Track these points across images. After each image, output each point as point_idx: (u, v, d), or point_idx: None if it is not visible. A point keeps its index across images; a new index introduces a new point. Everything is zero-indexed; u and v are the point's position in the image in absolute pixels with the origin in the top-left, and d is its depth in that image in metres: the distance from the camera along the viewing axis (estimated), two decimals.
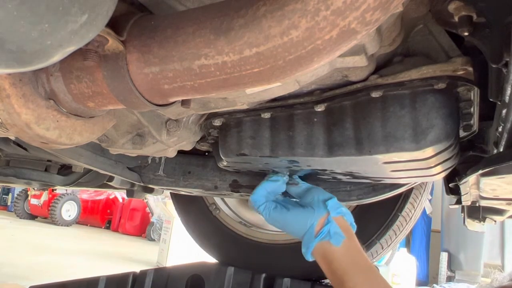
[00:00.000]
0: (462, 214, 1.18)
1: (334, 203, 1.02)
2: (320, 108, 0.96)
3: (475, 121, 0.92)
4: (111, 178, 1.83)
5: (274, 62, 0.52)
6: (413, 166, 0.95)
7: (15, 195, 11.74)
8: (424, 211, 4.86)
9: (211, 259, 1.90)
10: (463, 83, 0.85)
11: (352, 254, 0.96)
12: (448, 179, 1.12)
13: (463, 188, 0.96)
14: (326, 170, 1.09)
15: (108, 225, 11.66)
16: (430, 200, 5.97)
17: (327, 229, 0.97)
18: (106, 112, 0.74)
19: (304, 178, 1.26)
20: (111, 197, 11.74)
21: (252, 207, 1.11)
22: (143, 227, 10.68)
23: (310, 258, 1.00)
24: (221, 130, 1.10)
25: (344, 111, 0.95)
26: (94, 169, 1.35)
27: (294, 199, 1.13)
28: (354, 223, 1.04)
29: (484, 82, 0.84)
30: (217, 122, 1.08)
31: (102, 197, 11.83)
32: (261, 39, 0.50)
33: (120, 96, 0.61)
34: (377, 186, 1.23)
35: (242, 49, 0.52)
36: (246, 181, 1.35)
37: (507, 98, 0.68)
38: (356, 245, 0.98)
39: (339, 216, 1.01)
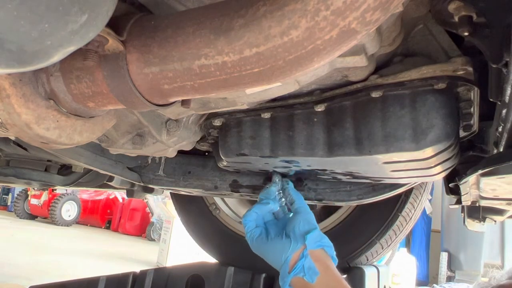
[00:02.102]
0: (462, 214, 1.18)
1: (314, 236, 0.97)
2: (320, 108, 0.96)
3: (475, 121, 0.92)
4: (111, 178, 1.84)
5: (274, 62, 0.52)
6: (413, 166, 0.95)
7: (15, 195, 11.74)
8: (424, 211, 4.86)
9: (211, 259, 1.90)
10: (463, 83, 0.85)
11: (329, 287, 0.93)
12: (448, 179, 1.12)
13: (463, 188, 0.96)
14: (326, 170, 1.09)
15: (108, 225, 11.66)
16: (430, 200, 5.97)
17: (301, 264, 0.93)
18: (106, 112, 0.74)
19: (303, 178, 1.26)
20: (111, 197, 11.74)
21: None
22: (143, 227, 10.67)
23: None
24: (221, 130, 1.10)
25: (344, 111, 0.95)
26: (94, 169, 1.35)
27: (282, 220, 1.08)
28: (335, 256, 1.00)
29: (484, 82, 0.84)
30: (217, 122, 1.08)
31: (102, 197, 11.83)
32: (261, 39, 0.50)
33: (120, 96, 0.61)
34: (377, 186, 1.23)
35: (242, 49, 0.52)
36: (246, 181, 1.35)
37: (507, 98, 0.68)
38: (335, 278, 0.94)
39: (319, 249, 0.97)
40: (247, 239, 1.05)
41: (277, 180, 1.16)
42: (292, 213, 1.08)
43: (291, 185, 1.15)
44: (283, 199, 1.12)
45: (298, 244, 0.96)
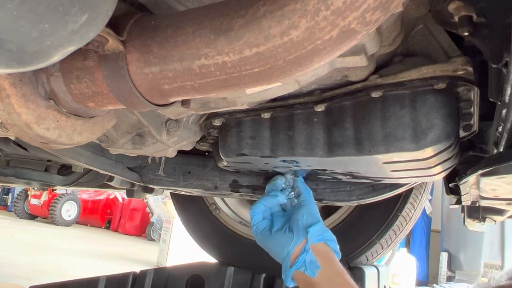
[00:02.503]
0: (462, 214, 1.18)
1: (316, 230, 0.97)
2: (320, 108, 0.96)
3: (475, 121, 0.92)
4: (111, 178, 1.84)
5: (274, 62, 0.52)
6: (413, 166, 0.95)
7: (15, 195, 11.74)
8: (424, 211, 4.86)
9: (211, 259, 1.90)
10: (463, 83, 0.85)
11: (332, 281, 0.92)
12: (448, 179, 1.12)
13: (463, 188, 0.96)
14: (326, 170, 1.09)
15: (108, 225, 11.66)
16: (430, 200, 5.97)
17: (302, 259, 0.93)
18: (106, 112, 0.74)
19: (303, 178, 1.26)
20: (111, 197, 11.75)
21: None
22: (143, 227, 10.68)
23: (290, 285, 0.96)
24: (221, 130, 1.10)
25: (344, 111, 0.95)
26: (94, 169, 1.35)
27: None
28: (338, 250, 0.99)
29: (484, 82, 0.84)
30: (217, 122, 1.08)
31: (102, 197, 11.83)
32: (261, 39, 0.50)
33: (120, 96, 0.61)
34: (377, 186, 1.23)
35: (242, 49, 0.52)
36: (246, 181, 1.35)
37: (507, 98, 0.68)
38: (337, 271, 0.94)
39: (321, 243, 0.97)
40: (253, 232, 1.05)
41: (283, 173, 1.16)
42: (292, 205, 1.08)
43: (301, 178, 1.14)
44: (292, 192, 1.12)
45: (300, 238, 0.96)
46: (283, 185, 1.12)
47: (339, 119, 0.95)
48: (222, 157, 1.11)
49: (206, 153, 1.46)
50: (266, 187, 1.12)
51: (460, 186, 0.97)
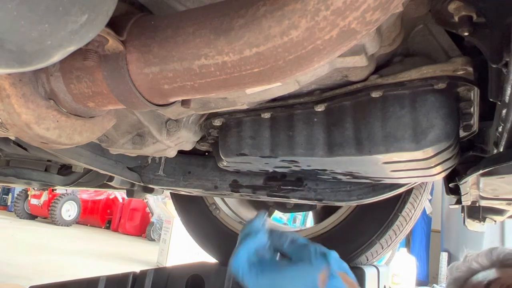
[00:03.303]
0: (462, 214, 1.18)
1: (336, 257, 0.82)
2: (320, 108, 0.96)
3: (475, 121, 0.92)
4: (111, 178, 1.83)
5: (274, 62, 0.52)
6: (413, 166, 0.95)
7: (15, 195, 11.74)
8: (424, 211, 4.85)
9: (211, 259, 1.90)
10: (463, 83, 0.85)
11: None
12: (448, 179, 1.12)
13: (463, 188, 0.96)
14: (326, 170, 1.09)
15: (108, 225, 11.66)
16: (430, 200, 5.97)
17: (331, 285, 0.77)
18: (106, 112, 0.74)
19: (303, 178, 1.26)
20: (111, 197, 11.74)
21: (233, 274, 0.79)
22: (143, 227, 10.67)
23: None
24: (221, 130, 1.10)
25: (344, 111, 0.95)
26: (94, 169, 1.35)
27: (283, 257, 0.85)
28: (356, 280, 0.83)
29: (484, 82, 0.84)
30: (217, 122, 1.08)
31: (102, 197, 11.83)
32: (261, 39, 0.50)
33: (120, 96, 0.61)
34: (377, 186, 1.23)
35: (242, 49, 0.52)
36: (246, 181, 1.35)
37: (507, 98, 0.68)
38: None
39: (343, 272, 0.82)
40: (248, 283, 0.80)
41: (262, 214, 0.90)
42: (294, 245, 0.85)
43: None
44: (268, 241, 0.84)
45: (320, 264, 0.80)
46: (261, 225, 0.84)
47: (339, 119, 0.95)
48: (222, 157, 1.11)
49: (206, 153, 1.46)
50: (241, 232, 0.84)
51: (460, 186, 0.97)
